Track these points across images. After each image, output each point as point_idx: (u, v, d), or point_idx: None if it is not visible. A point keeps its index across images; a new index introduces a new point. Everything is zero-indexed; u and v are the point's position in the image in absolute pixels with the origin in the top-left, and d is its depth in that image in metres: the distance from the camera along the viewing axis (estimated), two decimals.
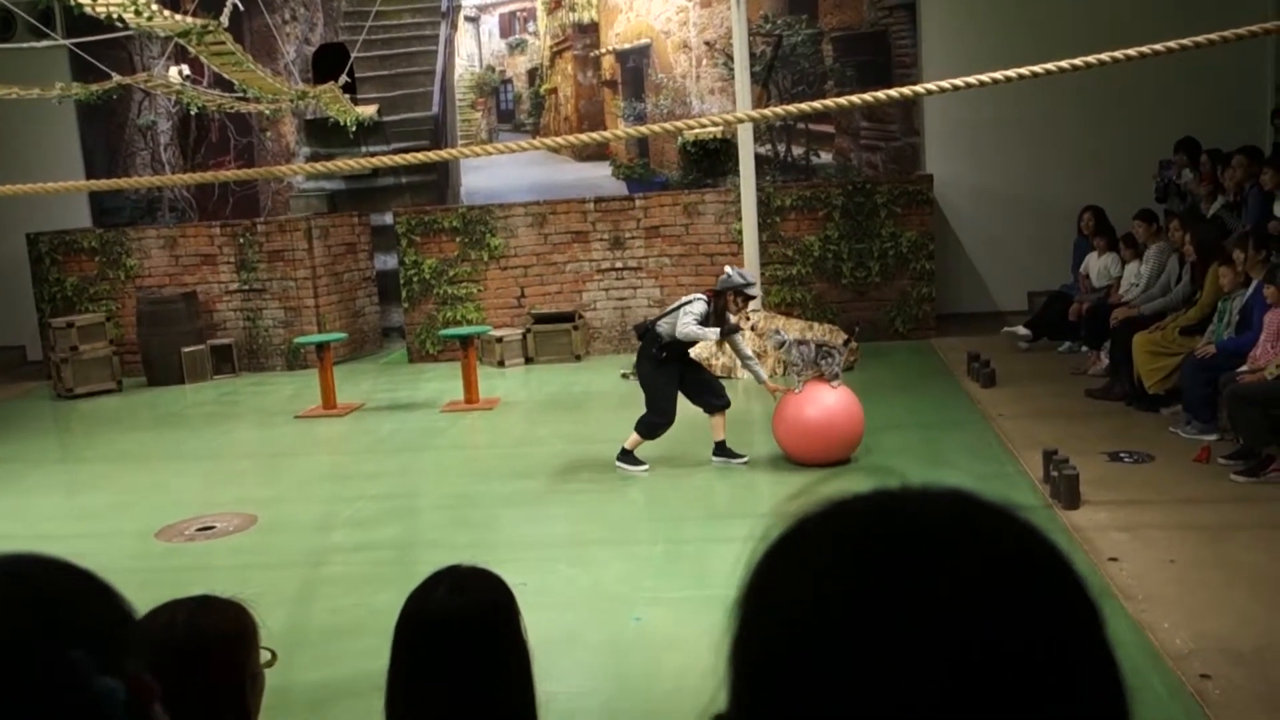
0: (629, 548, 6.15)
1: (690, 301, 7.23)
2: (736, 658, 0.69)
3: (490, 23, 13.36)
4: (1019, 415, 8.00)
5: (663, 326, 7.24)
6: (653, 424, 7.30)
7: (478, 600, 1.93)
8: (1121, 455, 6.90)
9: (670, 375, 7.27)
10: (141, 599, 1.16)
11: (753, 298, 7.50)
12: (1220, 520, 5.74)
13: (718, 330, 7.19)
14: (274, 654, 1.97)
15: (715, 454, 7.42)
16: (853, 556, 0.66)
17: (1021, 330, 10.30)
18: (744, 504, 6.87)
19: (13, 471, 8.69)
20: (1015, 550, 0.67)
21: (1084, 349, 9.64)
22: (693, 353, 7.55)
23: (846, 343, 7.76)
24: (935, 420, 8.25)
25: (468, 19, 13.33)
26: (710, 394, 7.37)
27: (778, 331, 7.62)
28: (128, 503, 7.64)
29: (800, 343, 7.26)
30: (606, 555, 6.01)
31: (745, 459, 7.38)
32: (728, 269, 7.56)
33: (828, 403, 7.04)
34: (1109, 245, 9.80)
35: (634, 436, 7.38)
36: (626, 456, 7.41)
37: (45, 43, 9.37)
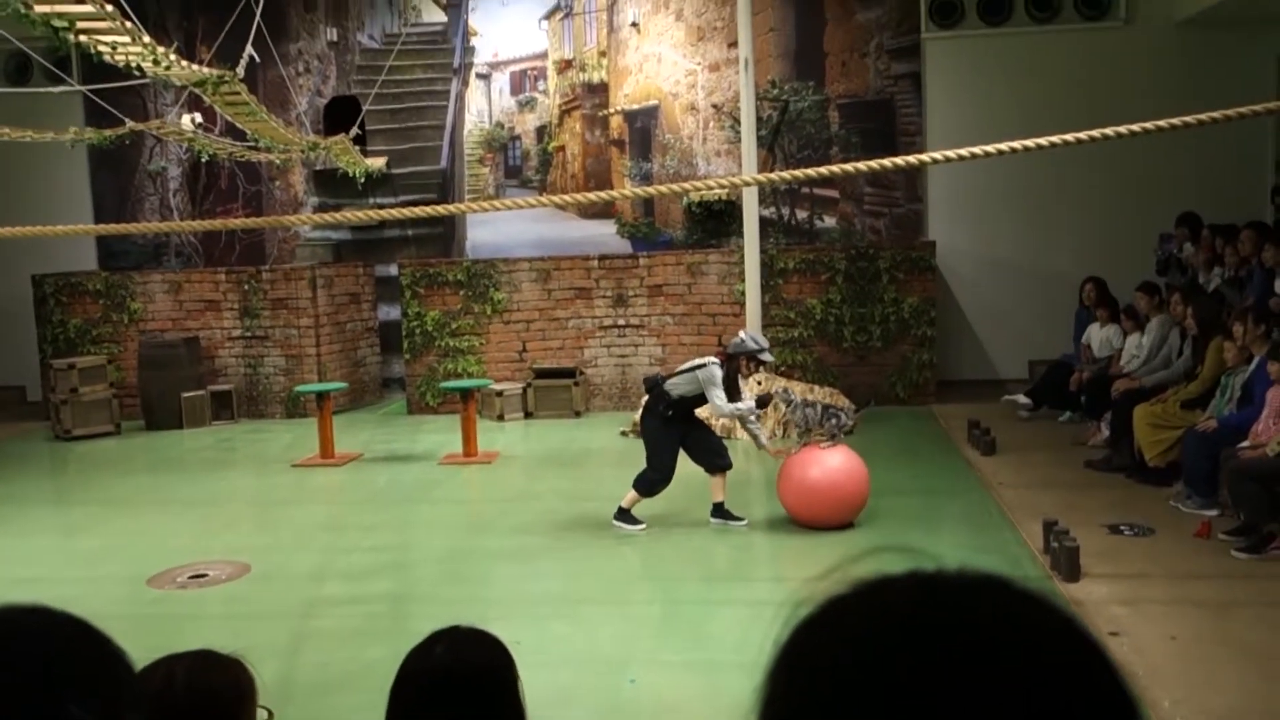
0: (625, 608, 6.09)
1: (704, 365, 7.17)
2: None
3: (501, 80, 13.54)
4: (1019, 484, 7.97)
5: (672, 385, 7.23)
6: (652, 481, 7.26)
7: (476, 661, 1.91)
8: (1122, 528, 6.86)
9: (674, 433, 7.25)
10: (131, 646, 1.14)
11: (765, 363, 7.50)
12: (1222, 596, 5.69)
13: (750, 405, 7.20)
14: (270, 713, 1.94)
15: (714, 515, 7.37)
16: (890, 638, 0.65)
17: (1022, 399, 10.29)
18: (742, 567, 6.83)
19: (7, 513, 8.63)
20: (1054, 641, 0.67)
21: (1085, 419, 9.63)
22: (698, 412, 7.54)
23: (858, 410, 7.77)
24: (936, 487, 8.22)
25: (479, 76, 13.51)
26: (713, 454, 7.34)
27: (786, 390, 7.64)
28: (121, 547, 7.58)
29: (808, 404, 7.27)
30: (602, 615, 5.95)
31: (744, 521, 7.34)
32: (742, 334, 7.58)
33: (833, 465, 7.02)
34: (1111, 316, 9.84)
35: (631, 494, 7.34)
36: (624, 515, 7.36)
37: (61, 88, 9.49)
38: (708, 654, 5.28)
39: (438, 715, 1.83)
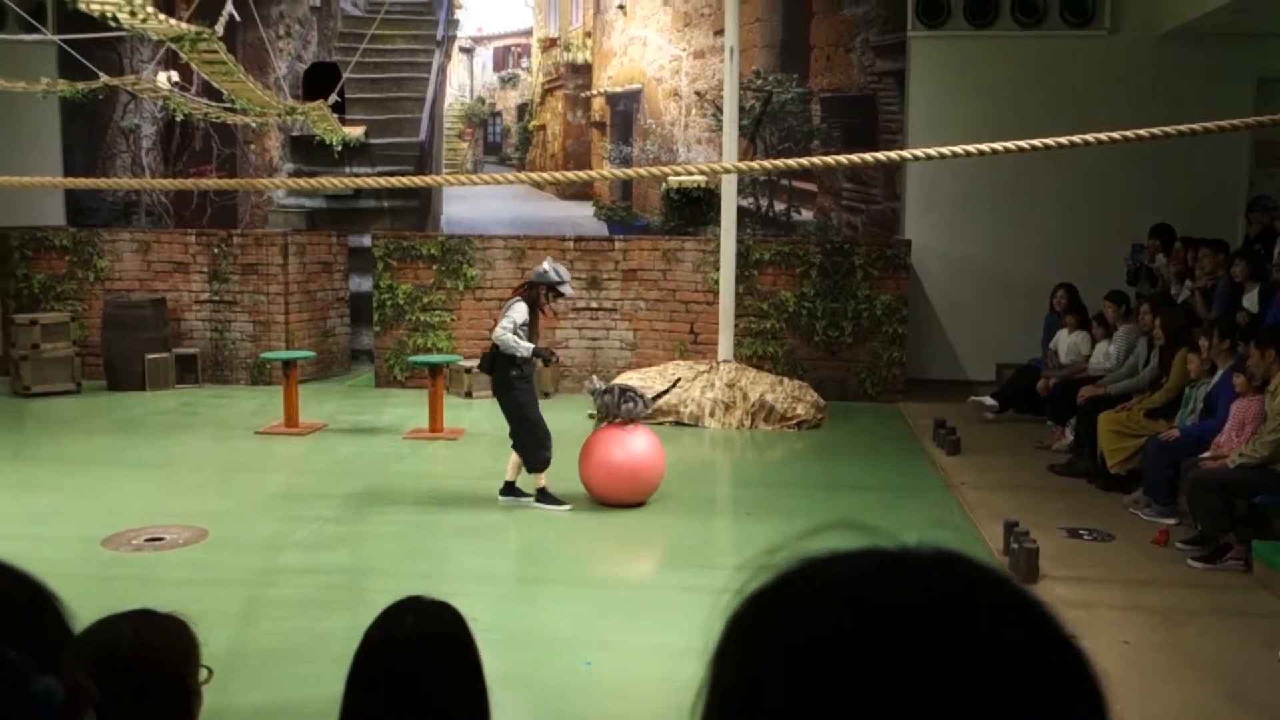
0: (585, 589, 6.07)
1: (513, 304, 7.25)
2: (715, 715, 0.66)
3: (484, 55, 13.42)
4: (982, 485, 8.02)
5: (510, 347, 7.19)
6: (541, 457, 7.34)
7: (444, 633, 1.89)
8: (1081, 532, 6.92)
9: (533, 394, 7.40)
10: (83, 607, 1.11)
11: (563, 295, 7.49)
12: (1176, 605, 5.74)
13: (531, 347, 7.21)
14: (210, 671, 1.92)
15: (502, 493, 7.48)
16: (851, 610, 0.63)
17: (989, 401, 10.34)
18: (703, 553, 6.82)
19: None
20: (1021, 616, 0.66)
21: (1049, 423, 9.69)
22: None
23: (665, 391, 8.13)
24: (899, 484, 8.25)
25: (462, 50, 13.39)
26: None
27: (591, 380, 7.85)
28: (76, 507, 7.48)
29: (606, 391, 7.51)
30: (560, 595, 5.94)
31: (530, 499, 7.41)
32: (546, 262, 7.54)
33: (633, 447, 7.33)
34: (1080, 323, 9.90)
35: (536, 477, 7.38)
36: (544, 496, 7.40)
37: (35, 36, 9.31)
38: (664, 638, 5.27)
39: (408, 683, 1.81)
